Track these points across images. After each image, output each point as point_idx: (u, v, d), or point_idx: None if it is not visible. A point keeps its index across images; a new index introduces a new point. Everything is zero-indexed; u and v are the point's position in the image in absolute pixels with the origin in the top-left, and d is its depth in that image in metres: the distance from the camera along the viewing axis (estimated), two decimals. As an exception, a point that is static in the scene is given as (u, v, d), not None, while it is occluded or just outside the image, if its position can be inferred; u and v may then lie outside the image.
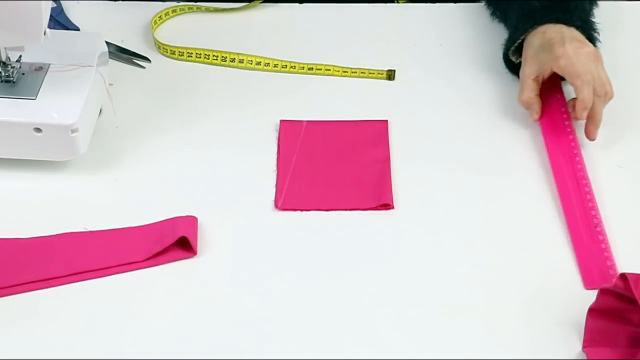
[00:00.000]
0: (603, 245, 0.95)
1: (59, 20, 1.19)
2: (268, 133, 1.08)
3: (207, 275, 0.93)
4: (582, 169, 1.03)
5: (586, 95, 1.03)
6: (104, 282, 0.92)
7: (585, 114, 1.03)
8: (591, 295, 0.86)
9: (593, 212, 0.98)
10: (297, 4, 1.28)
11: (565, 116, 1.08)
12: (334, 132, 1.08)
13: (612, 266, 0.93)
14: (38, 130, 0.97)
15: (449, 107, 1.13)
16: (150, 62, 1.17)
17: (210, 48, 1.17)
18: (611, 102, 1.13)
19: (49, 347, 0.86)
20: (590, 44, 1.07)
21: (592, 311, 0.86)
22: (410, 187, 1.02)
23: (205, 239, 0.95)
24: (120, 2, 1.27)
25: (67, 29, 1.19)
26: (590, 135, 1.05)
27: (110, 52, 1.08)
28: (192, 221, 0.95)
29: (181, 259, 0.94)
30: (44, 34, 0.95)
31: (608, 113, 1.12)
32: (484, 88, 1.15)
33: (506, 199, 1.01)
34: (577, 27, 1.08)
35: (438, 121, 1.10)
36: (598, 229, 0.97)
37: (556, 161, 1.04)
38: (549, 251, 0.96)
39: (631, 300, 0.82)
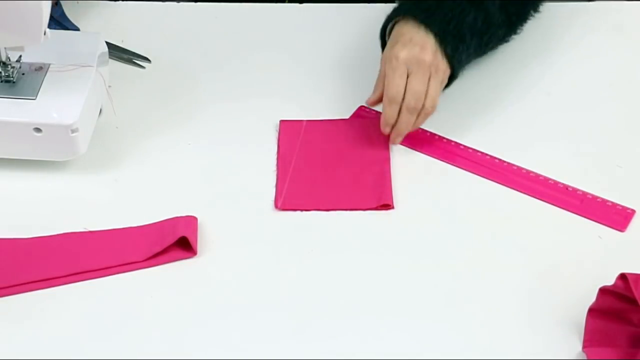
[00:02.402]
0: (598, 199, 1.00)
1: (59, 21, 1.19)
2: (268, 133, 1.08)
3: (207, 275, 0.93)
4: (494, 160, 1.05)
5: (387, 112, 1.02)
6: (104, 282, 0.92)
7: (388, 129, 1.02)
8: (591, 295, 0.86)
9: (550, 182, 1.02)
10: (297, 4, 1.29)
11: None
12: (334, 131, 1.08)
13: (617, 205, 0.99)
14: (38, 130, 0.97)
15: (451, 106, 1.13)
16: (150, 62, 1.17)
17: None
18: (611, 102, 1.13)
19: (49, 347, 0.86)
20: (428, 52, 1.00)
21: (592, 311, 0.86)
22: (410, 188, 1.02)
23: (205, 239, 0.95)
24: (120, 2, 1.27)
25: (67, 29, 1.19)
26: (391, 141, 1.04)
27: (110, 52, 1.07)
28: (192, 221, 0.95)
29: (181, 259, 0.94)
30: (44, 34, 0.95)
31: (608, 113, 1.12)
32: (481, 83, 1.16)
33: (506, 199, 1.01)
34: (435, 34, 1.01)
35: (438, 119, 1.11)
36: (579, 192, 1.01)
37: (481, 170, 1.04)
38: (549, 251, 0.95)
39: (631, 300, 0.82)
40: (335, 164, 1.05)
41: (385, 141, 1.07)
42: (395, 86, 1.00)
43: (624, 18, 1.28)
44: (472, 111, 1.12)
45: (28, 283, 0.90)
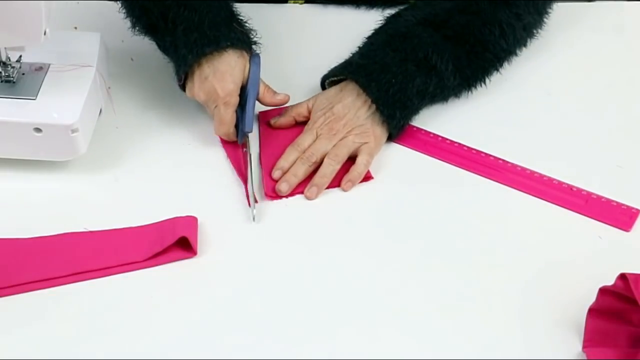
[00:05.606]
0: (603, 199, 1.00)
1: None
2: (268, 133, 1.08)
3: (207, 275, 0.93)
4: (497, 161, 1.05)
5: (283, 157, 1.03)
6: (104, 282, 0.92)
7: (278, 173, 1.01)
8: (591, 295, 0.85)
9: (554, 182, 1.02)
10: (297, 4, 1.29)
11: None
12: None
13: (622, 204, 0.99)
14: (38, 130, 0.97)
15: (453, 108, 1.13)
16: None
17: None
18: (611, 102, 1.13)
19: (49, 347, 0.86)
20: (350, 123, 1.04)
21: (592, 311, 0.86)
22: (413, 188, 1.03)
23: (205, 239, 0.95)
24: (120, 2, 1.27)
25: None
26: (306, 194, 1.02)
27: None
28: (192, 221, 0.95)
29: (181, 259, 0.94)
30: (44, 34, 0.95)
31: (608, 112, 1.13)
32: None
33: (510, 200, 1.01)
34: (372, 101, 1.04)
35: (441, 121, 1.11)
36: (583, 192, 1.01)
37: (486, 172, 1.05)
38: (553, 251, 0.96)
39: (631, 300, 0.82)
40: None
41: None
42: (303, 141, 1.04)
43: (624, 18, 1.28)
44: (474, 112, 1.13)
45: (28, 283, 0.90)
